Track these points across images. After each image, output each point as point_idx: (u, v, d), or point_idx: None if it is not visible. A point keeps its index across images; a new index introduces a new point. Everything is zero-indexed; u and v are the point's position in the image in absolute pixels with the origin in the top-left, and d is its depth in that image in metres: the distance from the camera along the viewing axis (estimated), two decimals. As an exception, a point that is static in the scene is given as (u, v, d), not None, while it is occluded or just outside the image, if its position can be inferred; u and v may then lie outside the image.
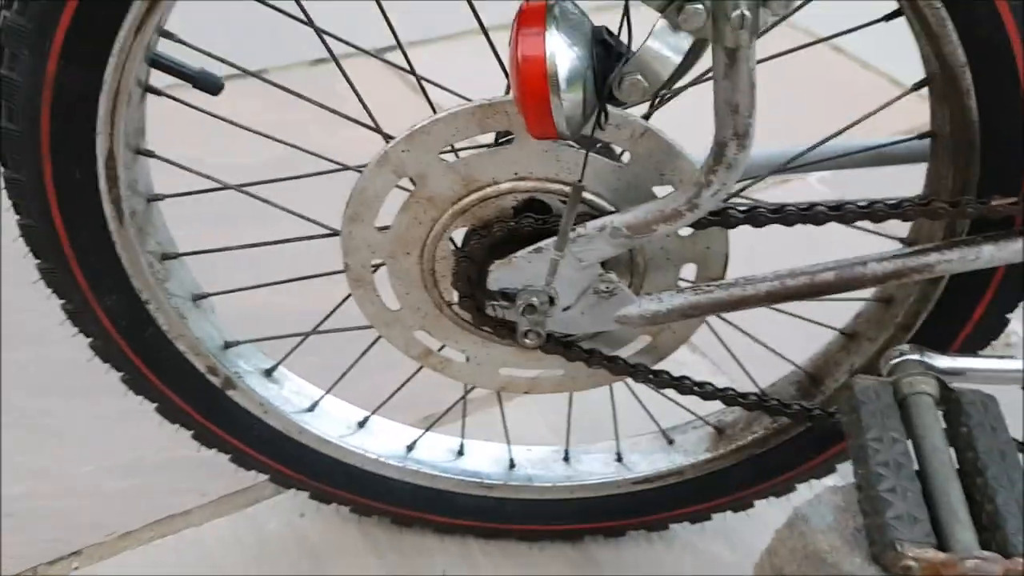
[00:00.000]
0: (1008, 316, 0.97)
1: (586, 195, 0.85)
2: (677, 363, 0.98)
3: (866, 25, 0.85)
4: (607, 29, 0.75)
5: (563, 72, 0.71)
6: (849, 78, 2.30)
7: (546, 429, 1.34)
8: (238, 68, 0.92)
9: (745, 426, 1.11)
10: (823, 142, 0.93)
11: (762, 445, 1.10)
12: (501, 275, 0.87)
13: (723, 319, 1.07)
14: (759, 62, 0.89)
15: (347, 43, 0.91)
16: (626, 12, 0.73)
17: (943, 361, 0.89)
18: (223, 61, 0.91)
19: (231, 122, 0.96)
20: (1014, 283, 0.94)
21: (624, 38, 0.76)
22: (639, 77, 0.72)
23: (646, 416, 1.15)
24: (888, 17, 0.83)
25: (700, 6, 0.69)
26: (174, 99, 0.90)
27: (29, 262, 0.94)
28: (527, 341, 0.88)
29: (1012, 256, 0.86)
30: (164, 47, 0.89)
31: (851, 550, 0.82)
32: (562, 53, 0.70)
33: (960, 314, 0.96)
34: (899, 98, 0.88)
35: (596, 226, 0.84)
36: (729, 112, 0.74)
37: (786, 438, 1.08)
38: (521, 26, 0.71)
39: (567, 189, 0.84)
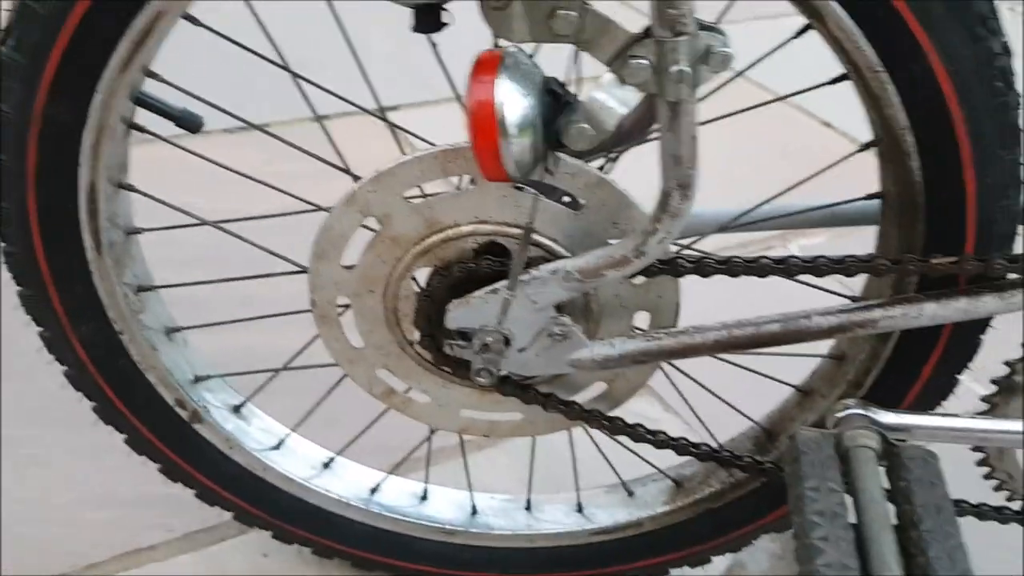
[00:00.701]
0: (957, 377, 1.00)
1: (542, 240, 0.88)
2: (650, 420, 1.00)
3: (813, 88, 0.89)
4: (557, 80, 0.79)
5: (512, 117, 0.75)
6: (818, 141, 2.37)
7: (515, 482, 1.35)
8: (228, 113, 0.96)
9: (703, 480, 1.13)
10: (769, 200, 0.96)
11: (718, 499, 1.11)
12: (459, 314, 0.91)
13: (688, 376, 1.10)
14: (717, 119, 0.94)
15: (334, 94, 0.96)
16: (576, 62, 0.77)
17: (887, 417, 0.91)
18: (224, 111, 0.95)
19: (215, 162, 1.00)
20: (961, 344, 0.96)
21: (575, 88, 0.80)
22: (585, 125, 0.76)
23: (617, 466, 1.17)
24: (834, 80, 0.87)
25: (644, 61, 0.73)
26: (178, 146, 0.95)
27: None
28: (480, 379, 0.91)
29: (954, 315, 0.89)
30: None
31: (784, 595, 0.84)
32: (511, 100, 0.75)
33: (909, 373, 0.99)
34: (846, 158, 0.92)
35: (549, 269, 0.87)
36: (672, 163, 0.78)
37: (742, 493, 1.10)
38: (475, 74, 0.75)
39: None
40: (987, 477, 1.03)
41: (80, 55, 0.84)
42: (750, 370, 1.09)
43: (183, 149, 0.97)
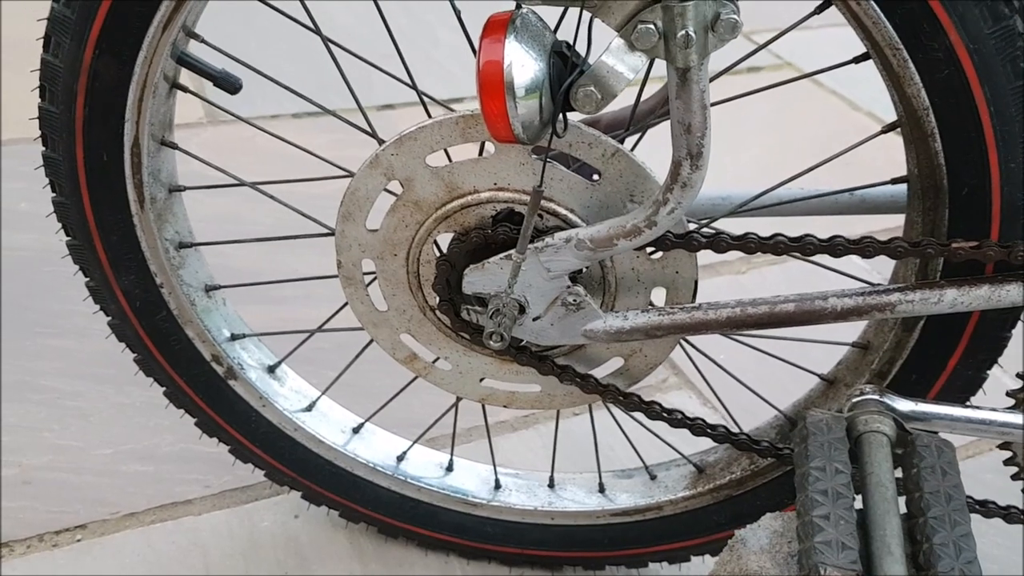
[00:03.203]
0: (986, 372, 0.97)
1: (559, 209, 0.89)
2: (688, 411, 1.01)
3: (836, 67, 0.88)
4: (567, 43, 0.80)
5: (519, 79, 0.76)
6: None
7: (548, 465, 1.36)
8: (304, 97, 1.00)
9: (724, 466, 1.12)
10: (786, 182, 0.95)
11: (739, 487, 1.10)
12: (475, 279, 0.92)
13: (719, 366, 1.09)
14: (749, 94, 0.94)
15: (398, 79, 0.99)
16: (588, 27, 0.78)
17: (904, 404, 0.90)
18: (300, 96, 1.00)
19: (246, 121, 1.04)
20: (988, 337, 0.94)
21: (585, 52, 0.81)
22: (592, 89, 0.77)
23: (647, 451, 1.17)
24: (857, 60, 0.86)
25: (651, 26, 0.74)
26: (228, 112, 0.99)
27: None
28: (491, 343, 0.92)
29: (975, 302, 0.87)
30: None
31: (780, 573, 0.83)
32: (519, 61, 0.76)
33: (934, 365, 0.97)
34: (868, 139, 0.91)
35: (562, 237, 0.88)
36: (682, 132, 0.79)
37: (763, 481, 1.09)
38: (485, 35, 0.77)
39: (543, 201, 0.89)
40: (1015, 477, 1.00)
41: (124, 13, 0.89)
42: (775, 356, 1.08)
43: (256, 127, 1.01)
